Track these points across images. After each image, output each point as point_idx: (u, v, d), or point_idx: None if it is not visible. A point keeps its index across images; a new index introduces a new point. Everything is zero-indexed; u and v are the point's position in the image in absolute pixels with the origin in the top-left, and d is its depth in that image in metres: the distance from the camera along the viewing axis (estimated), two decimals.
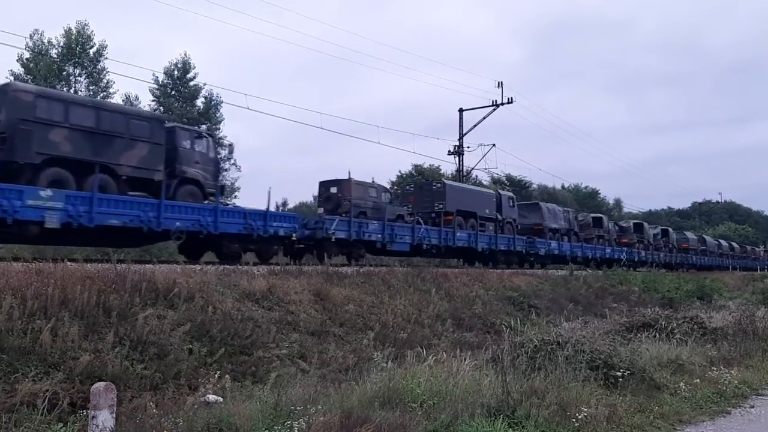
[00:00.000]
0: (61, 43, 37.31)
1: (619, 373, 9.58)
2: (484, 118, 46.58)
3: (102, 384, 4.95)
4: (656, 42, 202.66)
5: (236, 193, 42.29)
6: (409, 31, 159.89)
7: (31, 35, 36.46)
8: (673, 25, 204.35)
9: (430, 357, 9.57)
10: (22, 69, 36.21)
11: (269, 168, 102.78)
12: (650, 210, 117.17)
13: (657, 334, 13.53)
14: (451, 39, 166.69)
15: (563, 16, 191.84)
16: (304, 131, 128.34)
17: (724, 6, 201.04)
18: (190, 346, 9.85)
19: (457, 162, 47.42)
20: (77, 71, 37.96)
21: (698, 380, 10.83)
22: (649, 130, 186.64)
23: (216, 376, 8.37)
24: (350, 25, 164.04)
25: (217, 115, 42.87)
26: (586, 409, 7.82)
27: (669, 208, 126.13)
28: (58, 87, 36.34)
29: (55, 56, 37.02)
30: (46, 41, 37.07)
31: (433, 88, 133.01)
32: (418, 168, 61.15)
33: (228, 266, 15.73)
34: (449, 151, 47.19)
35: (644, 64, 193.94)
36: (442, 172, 61.75)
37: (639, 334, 13.68)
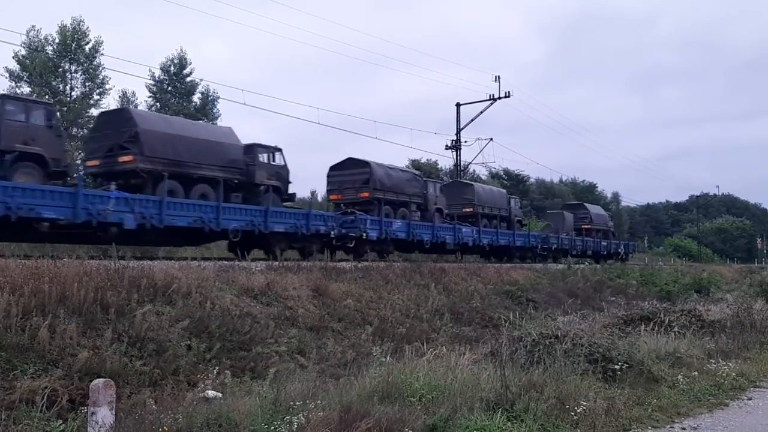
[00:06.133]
0: (56, 40, 37.13)
1: (617, 367, 9.58)
2: (481, 112, 46.75)
3: (101, 380, 4.94)
4: (675, 39, 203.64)
5: None
6: (432, 32, 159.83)
7: (27, 31, 36.35)
8: (692, 23, 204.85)
9: (429, 351, 9.58)
10: (18, 66, 36.06)
11: None
12: (648, 203, 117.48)
13: (655, 327, 13.54)
14: (473, 38, 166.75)
15: (584, 14, 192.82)
16: (317, 129, 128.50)
17: (748, 5, 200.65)
18: (189, 342, 9.84)
19: (455, 156, 47.47)
20: (73, 68, 37.79)
21: (696, 373, 10.85)
22: (661, 126, 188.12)
23: (215, 372, 8.37)
24: (376, 26, 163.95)
25: (214, 111, 42.78)
26: (584, 403, 7.83)
27: (667, 201, 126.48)
28: (53, 84, 36.24)
29: (51, 53, 36.86)
30: (42, 37, 36.91)
31: (451, 87, 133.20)
32: (415, 163, 61.05)
33: (226, 262, 15.73)
34: (446, 145, 47.22)
35: (661, 61, 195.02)
36: (439, 167, 61.82)
37: (637, 328, 13.68)
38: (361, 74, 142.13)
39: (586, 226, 46.08)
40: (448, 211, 31.64)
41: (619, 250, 50.11)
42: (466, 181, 39.32)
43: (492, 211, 35.07)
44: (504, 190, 40.47)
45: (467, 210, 33.58)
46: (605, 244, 47.67)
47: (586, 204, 51.89)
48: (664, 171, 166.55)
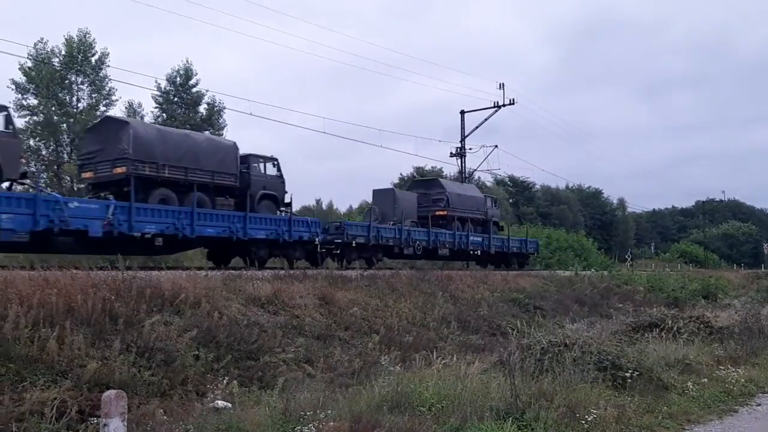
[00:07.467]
0: (63, 52, 37.33)
1: (627, 374, 9.55)
2: (485, 119, 46.70)
3: (113, 392, 4.95)
4: (684, 46, 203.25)
5: None
6: (439, 40, 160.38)
7: (35, 44, 36.52)
8: (702, 30, 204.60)
9: (438, 360, 9.56)
10: (24, 78, 36.23)
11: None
12: (654, 209, 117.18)
13: (664, 334, 13.50)
14: (481, 46, 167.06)
15: (593, 21, 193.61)
16: (323, 138, 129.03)
17: (758, 12, 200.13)
18: (197, 352, 9.85)
19: (459, 164, 47.46)
20: (79, 79, 37.97)
21: (706, 379, 10.83)
22: (668, 132, 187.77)
23: (224, 381, 8.36)
24: (382, 36, 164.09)
25: (220, 121, 42.87)
26: (595, 411, 7.80)
27: (673, 207, 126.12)
28: (60, 95, 36.40)
29: (57, 65, 37.05)
30: (48, 49, 37.09)
31: (458, 95, 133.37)
32: (419, 170, 61.12)
33: (233, 271, 15.75)
34: (451, 153, 47.25)
35: (669, 68, 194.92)
36: (444, 174, 61.81)
37: (646, 335, 13.66)
38: (368, 83, 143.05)
39: (440, 212, 31.00)
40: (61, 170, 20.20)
41: (508, 250, 34.60)
42: (119, 117, 22.66)
43: (189, 175, 19.60)
44: (233, 142, 22.33)
45: (119, 170, 18.47)
46: (478, 240, 32.19)
47: (443, 180, 35.30)
48: (670, 177, 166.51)
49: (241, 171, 21.41)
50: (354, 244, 24.75)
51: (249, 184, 21.56)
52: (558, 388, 8.40)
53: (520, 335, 11.39)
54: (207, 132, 22.86)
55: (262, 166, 23.02)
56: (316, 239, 22.82)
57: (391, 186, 32.58)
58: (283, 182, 23.32)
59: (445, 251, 30.13)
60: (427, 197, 31.53)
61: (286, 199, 23.29)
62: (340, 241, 24.28)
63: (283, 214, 22.90)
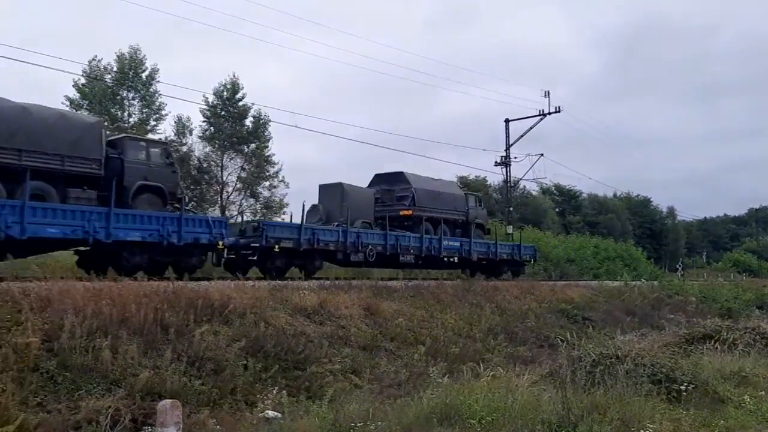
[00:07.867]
0: (115, 68, 38.43)
1: (682, 387, 9.30)
2: (531, 128, 46.20)
3: (168, 401, 5.03)
4: (736, 50, 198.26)
5: (284, 209, 42.26)
6: (484, 49, 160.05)
7: (89, 61, 37.69)
8: (754, 33, 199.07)
9: (487, 372, 9.45)
10: (78, 94, 37.37)
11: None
12: (705, 218, 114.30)
13: (718, 346, 13.11)
14: (526, 54, 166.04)
15: (641, 26, 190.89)
16: (368, 149, 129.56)
17: None
18: (245, 361, 9.96)
19: (504, 173, 47.09)
20: (130, 95, 38.98)
21: (763, 392, 10.45)
22: (720, 138, 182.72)
23: (274, 392, 8.41)
24: (427, 47, 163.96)
25: (266, 134, 43.40)
26: (650, 425, 7.59)
27: (725, 215, 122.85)
28: (112, 110, 37.41)
29: (110, 81, 38.12)
30: (102, 67, 38.22)
31: (504, 104, 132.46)
32: (462, 179, 60.85)
33: (280, 282, 15.89)
34: (496, 162, 46.93)
35: (721, 71, 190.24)
36: (488, 183, 61.45)
37: (700, 346, 13.28)
38: (411, 93, 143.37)
39: (405, 212, 25.92)
40: None
41: (496, 257, 28.75)
42: None
43: (23, 159, 15.12)
44: (96, 119, 19.96)
45: None
46: (455, 244, 26.96)
47: (410, 174, 27.78)
48: (722, 184, 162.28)
49: (110, 156, 16.97)
50: (277, 249, 19.56)
51: (122, 174, 17.00)
52: (611, 401, 8.20)
53: (570, 347, 11.18)
54: (62, 109, 19.67)
55: (142, 151, 18.04)
56: (221, 242, 18.35)
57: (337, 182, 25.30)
58: (175, 172, 18.96)
59: (409, 257, 24.88)
60: (390, 194, 26.66)
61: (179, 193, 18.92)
62: (256, 244, 19.32)
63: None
